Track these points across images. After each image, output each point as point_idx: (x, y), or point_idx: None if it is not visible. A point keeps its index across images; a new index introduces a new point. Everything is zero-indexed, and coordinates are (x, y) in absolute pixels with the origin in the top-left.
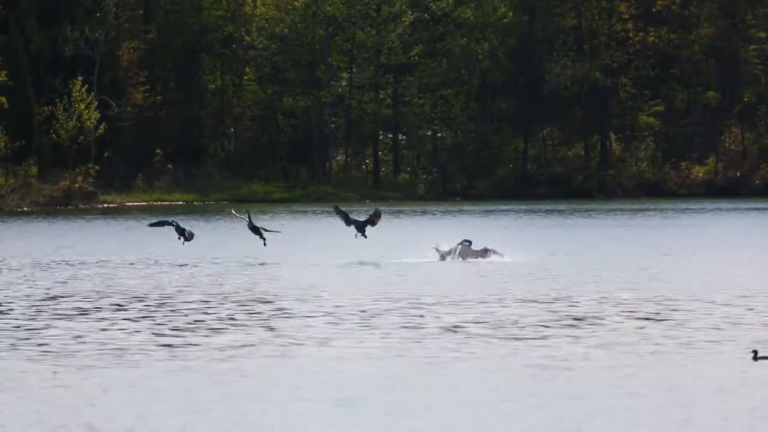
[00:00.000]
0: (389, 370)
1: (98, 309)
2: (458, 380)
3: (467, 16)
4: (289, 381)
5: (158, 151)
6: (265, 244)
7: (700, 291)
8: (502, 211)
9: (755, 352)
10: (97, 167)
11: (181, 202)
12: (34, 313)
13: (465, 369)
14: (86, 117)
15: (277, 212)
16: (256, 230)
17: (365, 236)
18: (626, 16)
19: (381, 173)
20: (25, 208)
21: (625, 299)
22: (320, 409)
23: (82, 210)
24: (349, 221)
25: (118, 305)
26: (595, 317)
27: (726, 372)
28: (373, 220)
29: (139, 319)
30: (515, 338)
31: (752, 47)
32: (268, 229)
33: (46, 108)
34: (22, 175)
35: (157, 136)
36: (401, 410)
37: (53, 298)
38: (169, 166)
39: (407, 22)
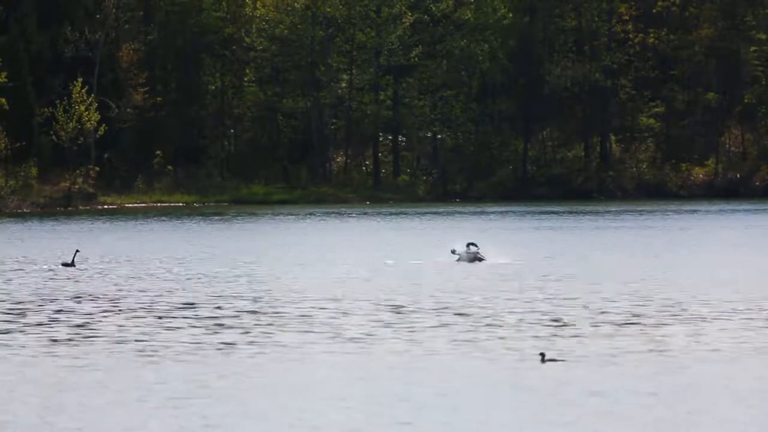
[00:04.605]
0: (416, 369)
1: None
2: (483, 378)
3: (467, 17)
4: (315, 377)
5: (158, 152)
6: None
7: (693, 294)
8: (499, 212)
9: (542, 354)
10: (97, 168)
11: (181, 204)
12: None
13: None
14: (86, 118)
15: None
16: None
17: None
18: (626, 18)
19: (381, 174)
20: (25, 210)
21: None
22: (348, 405)
23: (82, 211)
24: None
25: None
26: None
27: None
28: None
29: (184, 318)
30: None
31: (752, 48)
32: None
33: (46, 109)
34: (23, 177)
35: (158, 137)
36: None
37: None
38: (170, 167)
39: (407, 24)
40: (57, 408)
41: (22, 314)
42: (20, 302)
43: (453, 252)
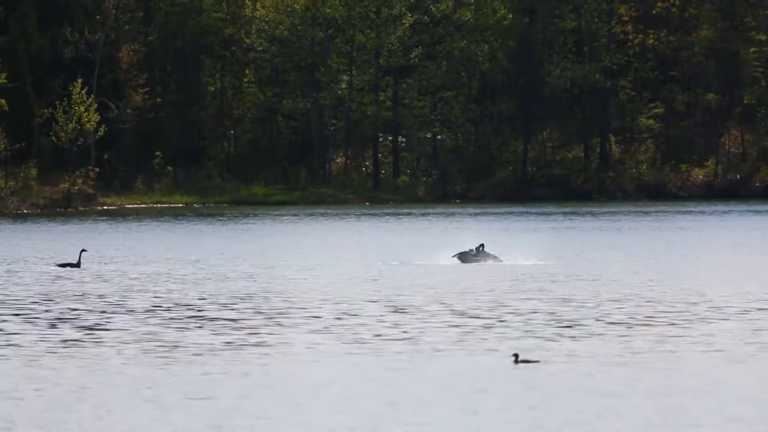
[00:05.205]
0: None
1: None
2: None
3: (467, 18)
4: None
5: (158, 153)
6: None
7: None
8: (499, 213)
9: (516, 355)
10: (97, 169)
11: (180, 204)
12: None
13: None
14: (86, 119)
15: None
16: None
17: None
18: (626, 18)
19: (381, 175)
20: (25, 211)
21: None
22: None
23: (81, 212)
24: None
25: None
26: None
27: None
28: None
29: (186, 320)
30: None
31: (752, 49)
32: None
33: (46, 110)
34: (22, 178)
35: (157, 138)
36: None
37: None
38: (169, 168)
39: (407, 25)
40: (64, 408)
41: (28, 315)
42: (25, 303)
43: (467, 253)
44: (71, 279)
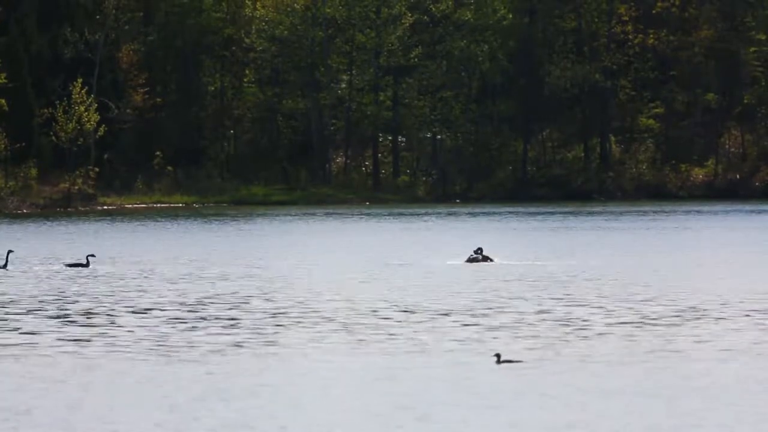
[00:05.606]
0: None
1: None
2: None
3: (467, 18)
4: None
5: (158, 153)
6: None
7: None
8: (499, 213)
9: (498, 355)
10: (97, 169)
11: (180, 204)
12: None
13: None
14: (86, 119)
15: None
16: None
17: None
18: (626, 18)
19: (381, 175)
20: (25, 211)
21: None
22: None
23: (81, 212)
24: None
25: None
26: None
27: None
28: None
29: (192, 321)
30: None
31: (752, 49)
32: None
33: (46, 110)
34: (22, 177)
35: (157, 138)
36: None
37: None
38: (169, 168)
39: (407, 24)
40: (68, 407)
41: (36, 314)
42: (33, 303)
43: (476, 254)
44: (80, 279)
